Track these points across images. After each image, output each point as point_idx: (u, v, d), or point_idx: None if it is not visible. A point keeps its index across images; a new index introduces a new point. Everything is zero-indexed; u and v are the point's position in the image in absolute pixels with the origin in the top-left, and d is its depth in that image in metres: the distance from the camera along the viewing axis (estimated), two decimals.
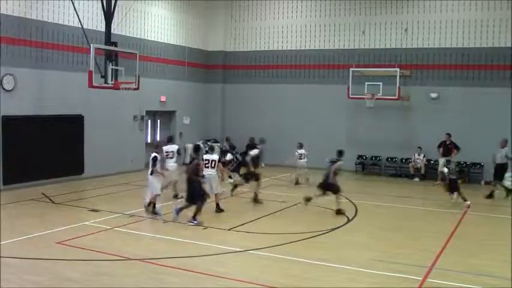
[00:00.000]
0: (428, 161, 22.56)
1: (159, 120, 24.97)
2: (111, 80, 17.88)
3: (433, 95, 22.89)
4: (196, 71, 26.36)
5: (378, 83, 22.29)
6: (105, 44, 18.39)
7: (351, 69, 23.19)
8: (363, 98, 22.77)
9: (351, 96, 23.08)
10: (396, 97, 22.14)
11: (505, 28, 21.63)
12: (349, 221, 14.39)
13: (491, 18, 21.88)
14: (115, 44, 18.50)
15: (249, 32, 26.68)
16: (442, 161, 21.11)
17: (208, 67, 27.03)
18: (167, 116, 25.20)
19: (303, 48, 25.42)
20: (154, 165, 14.11)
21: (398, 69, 22.30)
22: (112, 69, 17.96)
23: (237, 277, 9.47)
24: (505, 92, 21.45)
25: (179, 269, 9.79)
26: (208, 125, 27.12)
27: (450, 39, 22.62)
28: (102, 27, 18.99)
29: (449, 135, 21.04)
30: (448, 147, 20.96)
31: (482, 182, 21.52)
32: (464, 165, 22.09)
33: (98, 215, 14.09)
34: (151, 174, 14.11)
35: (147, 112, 23.40)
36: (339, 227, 13.54)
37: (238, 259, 10.76)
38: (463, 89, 22.41)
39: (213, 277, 9.42)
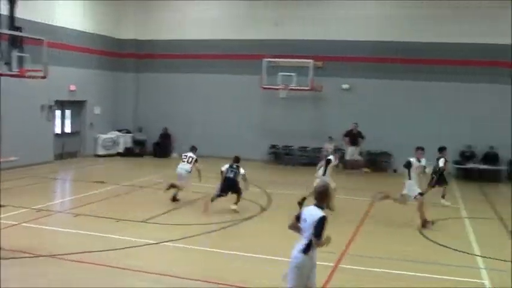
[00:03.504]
0: (339, 149, 23.10)
1: (68, 111, 24.03)
2: (16, 68, 17.09)
3: (345, 86, 23.53)
4: (108, 59, 25.58)
5: (292, 74, 22.59)
6: (9, 29, 17.53)
7: (264, 59, 23.33)
8: (277, 89, 22.95)
9: (264, 86, 23.24)
10: (309, 88, 22.55)
11: (415, 25, 22.45)
12: (263, 210, 14.55)
13: (401, 14, 22.63)
14: (20, 29, 17.65)
15: (164, 21, 26.11)
16: (350, 149, 21.99)
17: (120, 55, 26.34)
18: (77, 105, 24.31)
19: (218, 38, 25.20)
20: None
21: (311, 61, 22.66)
22: (17, 56, 17.16)
23: (151, 270, 9.31)
24: (414, 85, 22.70)
25: (92, 263, 9.49)
26: (120, 115, 26.50)
27: (363, 33, 23.22)
28: (5, 10, 18.04)
29: (356, 124, 21.84)
30: (354, 136, 21.83)
31: (392, 171, 22.47)
32: (373, 154, 23.02)
33: (4, 210, 13.37)
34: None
35: (56, 102, 22.49)
36: (251, 217, 13.67)
37: (153, 251, 10.60)
38: (375, 81, 23.18)
39: (126, 271, 9.21)
